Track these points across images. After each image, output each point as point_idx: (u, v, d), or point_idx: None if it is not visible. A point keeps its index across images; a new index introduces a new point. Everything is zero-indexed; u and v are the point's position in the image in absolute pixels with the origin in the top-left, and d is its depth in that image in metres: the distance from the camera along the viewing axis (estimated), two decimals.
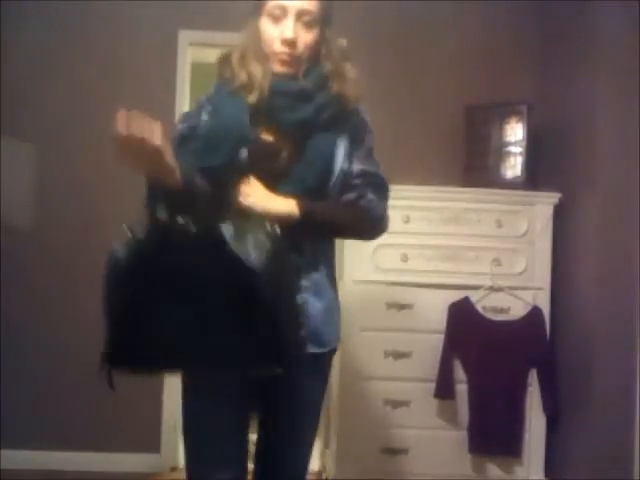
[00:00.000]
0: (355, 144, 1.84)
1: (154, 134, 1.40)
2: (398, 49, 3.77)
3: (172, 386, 3.69)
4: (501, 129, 3.44)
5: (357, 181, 1.84)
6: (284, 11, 1.73)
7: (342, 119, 1.81)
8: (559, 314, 3.35)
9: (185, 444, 1.83)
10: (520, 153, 3.42)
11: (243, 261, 1.45)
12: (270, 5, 1.74)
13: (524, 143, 3.41)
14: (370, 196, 1.86)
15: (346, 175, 1.82)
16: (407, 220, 3.31)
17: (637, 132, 3.00)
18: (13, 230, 3.63)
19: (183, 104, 3.73)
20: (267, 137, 1.78)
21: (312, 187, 1.76)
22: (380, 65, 3.76)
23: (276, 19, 1.74)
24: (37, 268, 3.64)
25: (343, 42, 1.91)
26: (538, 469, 3.30)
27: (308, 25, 1.75)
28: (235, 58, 1.79)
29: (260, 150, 1.75)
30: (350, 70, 1.83)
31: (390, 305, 3.30)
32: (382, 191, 1.91)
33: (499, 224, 3.32)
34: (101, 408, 3.61)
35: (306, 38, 1.75)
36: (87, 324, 3.83)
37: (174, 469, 3.69)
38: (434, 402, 3.27)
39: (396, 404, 3.29)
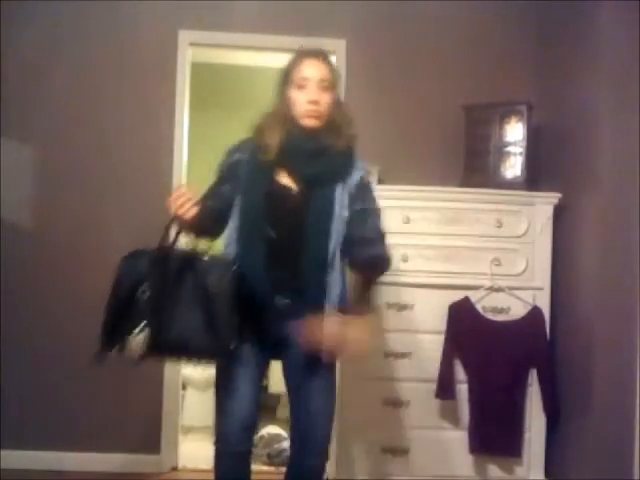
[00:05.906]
0: (352, 194, 2.32)
1: (184, 208, 2.12)
2: (398, 49, 3.78)
3: (172, 386, 3.69)
4: (501, 129, 3.44)
5: (372, 235, 2.33)
6: (307, 81, 2.28)
7: (339, 174, 2.31)
8: (559, 314, 3.36)
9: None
10: (520, 153, 3.42)
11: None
12: (296, 77, 2.30)
13: (524, 143, 3.41)
14: (381, 250, 2.36)
15: (351, 214, 2.30)
16: (407, 220, 3.31)
17: (637, 132, 3.00)
18: (13, 229, 3.64)
19: (183, 104, 3.73)
20: (283, 181, 2.31)
21: (321, 230, 2.28)
22: (380, 65, 3.77)
23: (301, 87, 2.29)
24: (37, 267, 3.64)
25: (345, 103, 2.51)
26: (538, 469, 3.31)
27: (325, 89, 2.29)
28: (266, 125, 2.32)
29: (277, 189, 2.30)
30: (348, 125, 2.35)
31: (390, 305, 3.30)
32: (384, 240, 2.38)
33: (499, 224, 3.32)
34: (101, 408, 3.62)
35: (325, 98, 2.30)
36: (87, 323, 3.83)
37: (174, 469, 3.70)
38: (434, 402, 3.27)
39: (396, 404, 3.29)
